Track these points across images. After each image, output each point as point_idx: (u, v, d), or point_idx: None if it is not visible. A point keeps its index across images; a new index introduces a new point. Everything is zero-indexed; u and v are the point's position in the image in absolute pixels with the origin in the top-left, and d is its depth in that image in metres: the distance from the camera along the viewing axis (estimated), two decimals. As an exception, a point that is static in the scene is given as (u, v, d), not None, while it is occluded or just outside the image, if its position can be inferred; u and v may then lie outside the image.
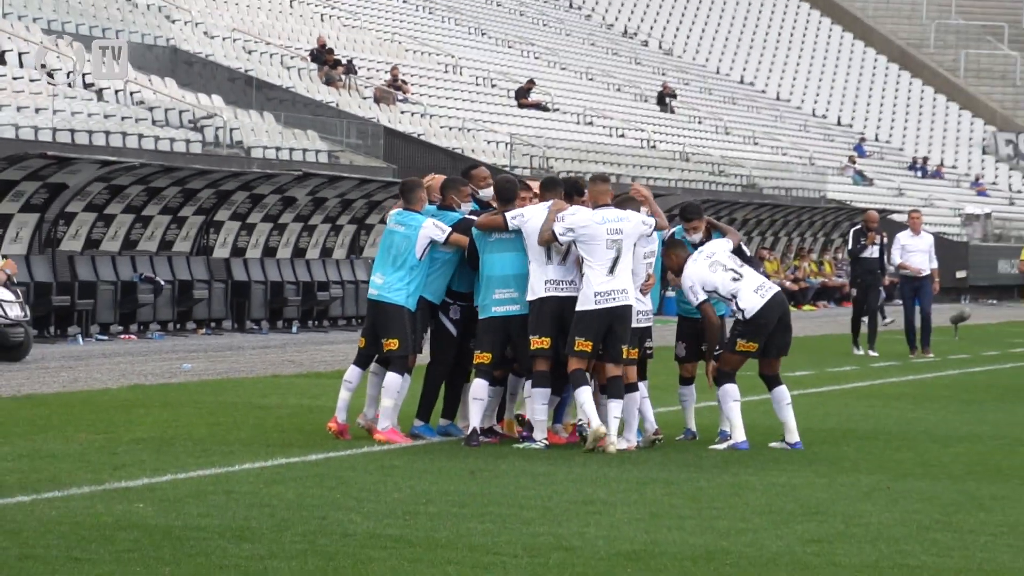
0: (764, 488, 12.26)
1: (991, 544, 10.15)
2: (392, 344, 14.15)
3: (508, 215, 14.01)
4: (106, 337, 27.20)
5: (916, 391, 21.03)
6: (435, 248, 14.27)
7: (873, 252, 27.35)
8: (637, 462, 13.50)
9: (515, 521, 10.52)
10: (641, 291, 14.17)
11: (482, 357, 14.10)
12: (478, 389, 14.12)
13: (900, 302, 29.67)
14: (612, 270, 13.76)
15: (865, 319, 27.62)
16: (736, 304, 14.34)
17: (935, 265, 27.49)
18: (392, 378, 14.19)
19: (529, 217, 13.95)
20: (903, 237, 27.69)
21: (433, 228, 14.22)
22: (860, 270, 27.66)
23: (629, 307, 13.87)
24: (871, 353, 27.14)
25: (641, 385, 14.33)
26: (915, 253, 27.35)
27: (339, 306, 32.66)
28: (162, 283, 28.47)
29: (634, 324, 14.09)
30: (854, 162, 66.68)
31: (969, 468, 13.61)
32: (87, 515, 10.34)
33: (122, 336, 27.64)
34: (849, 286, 31.17)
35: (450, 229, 14.26)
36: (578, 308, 13.80)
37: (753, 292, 14.41)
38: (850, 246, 28.06)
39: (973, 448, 14.97)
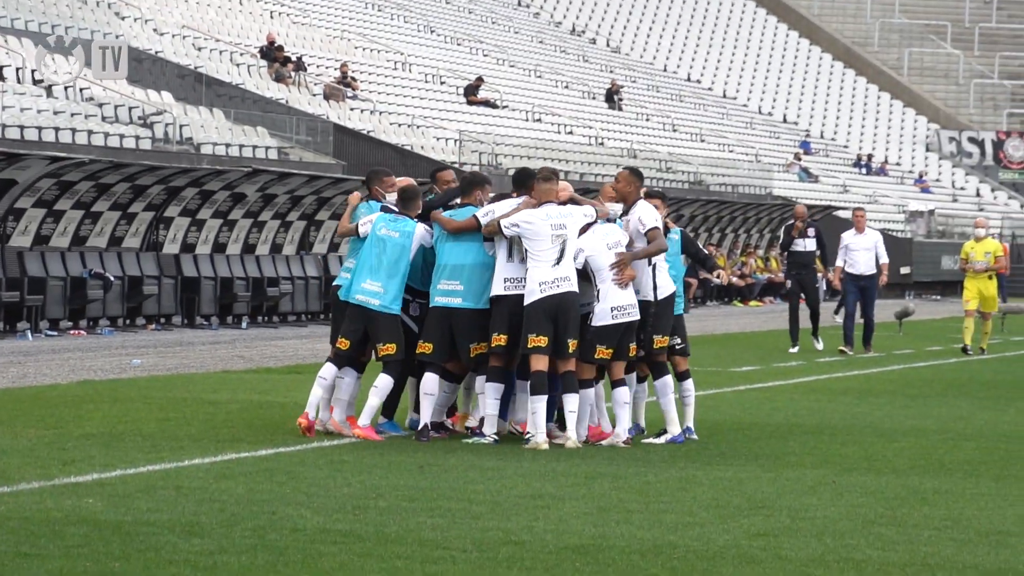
0: (711, 482, 12.37)
1: (935, 538, 10.27)
2: (390, 349, 14.25)
3: (479, 214, 14.08)
4: (55, 333, 27.12)
5: (861, 386, 21.21)
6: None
7: (807, 245, 27.00)
8: (585, 457, 13.59)
9: (464, 515, 10.59)
10: (619, 284, 14.11)
11: (423, 347, 14.23)
12: (428, 384, 14.20)
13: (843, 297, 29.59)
14: (557, 263, 13.88)
15: (808, 313, 27.36)
16: (655, 279, 14.42)
17: (885, 260, 26.89)
18: (385, 380, 14.25)
19: (499, 213, 14.04)
20: (847, 236, 27.13)
21: (425, 234, 14.37)
22: (794, 264, 27.47)
23: (573, 294, 13.90)
24: (817, 346, 26.99)
25: (625, 388, 14.21)
26: (859, 252, 26.76)
27: (289, 302, 32.65)
28: (112, 279, 28.41)
29: (619, 320, 14.01)
30: (799, 159, 67.04)
31: (913, 462, 13.77)
32: (36, 510, 10.35)
33: (71, 332, 27.56)
34: (784, 279, 30.72)
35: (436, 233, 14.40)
36: (525, 303, 13.88)
37: (671, 277, 14.68)
38: (781, 241, 28.07)
39: (917, 442, 15.13)
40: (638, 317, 14.20)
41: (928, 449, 14.65)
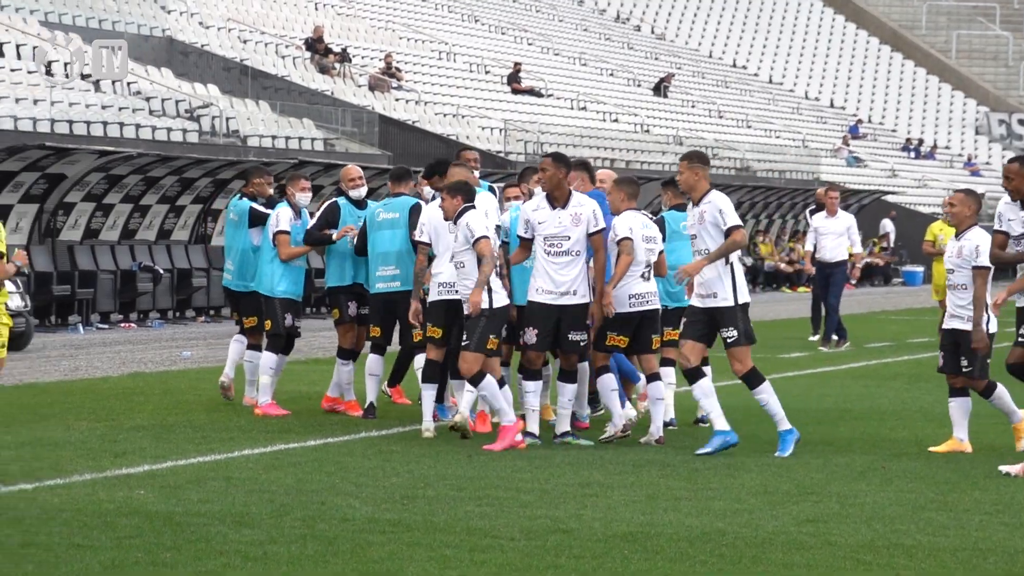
0: (759, 469, 12.35)
1: (986, 523, 10.23)
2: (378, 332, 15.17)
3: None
4: (106, 326, 27.28)
5: (911, 371, 21.11)
6: None
7: None
8: (633, 444, 13.58)
9: (512, 504, 10.61)
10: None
11: (374, 331, 14.86)
12: (372, 364, 14.85)
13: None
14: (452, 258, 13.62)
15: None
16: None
17: (859, 251, 25.17)
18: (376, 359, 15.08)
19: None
20: (817, 219, 24.69)
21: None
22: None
23: (458, 301, 13.58)
24: (834, 338, 25.31)
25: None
26: (828, 236, 24.43)
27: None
28: (161, 272, 28.56)
29: (635, 308, 13.53)
30: (848, 143, 66.77)
31: (963, 447, 13.70)
32: (89, 502, 10.43)
33: (122, 325, 27.70)
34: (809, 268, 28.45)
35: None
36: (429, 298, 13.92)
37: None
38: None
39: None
40: (657, 307, 13.78)
41: (978, 433, 14.53)
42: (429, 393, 13.81)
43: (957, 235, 13.48)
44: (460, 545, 9.26)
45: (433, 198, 14.50)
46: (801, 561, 9.06)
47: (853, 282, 41.59)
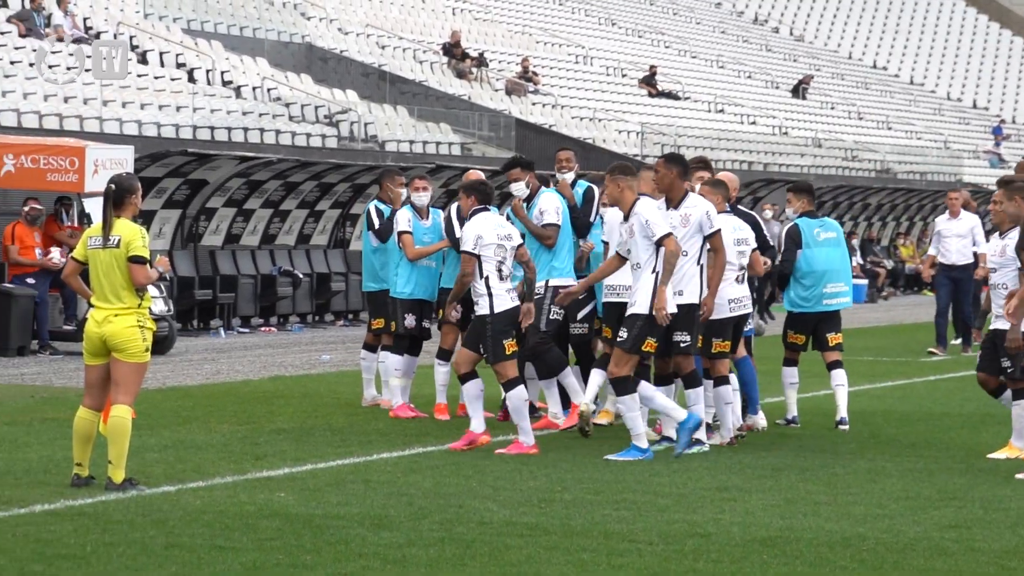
0: (900, 474, 12.21)
1: None
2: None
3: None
4: (247, 330, 27.60)
5: (1056, 376, 20.70)
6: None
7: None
8: (771, 449, 13.49)
9: (650, 508, 10.58)
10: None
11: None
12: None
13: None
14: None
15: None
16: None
17: (983, 251, 23.33)
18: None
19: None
20: (940, 222, 24.19)
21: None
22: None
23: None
24: (957, 342, 24.79)
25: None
26: (951, 239, 23.82)
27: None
28: (300, 276, 28.85)
29: (735, 312, 13.54)
30: (998, 144, 65.81)
31: (1110, 453, 13.43)
32: (230, 504, 10.55)
33: (262, 329, 28.01)
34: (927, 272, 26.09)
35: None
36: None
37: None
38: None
39: (1114, 433, 14.74)
40: (750, 310, 13.99)
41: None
42: (596, 379, 13.76)
43: (1001, 234, 13.12)
44: (598, 549, 9.25)
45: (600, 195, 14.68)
46: (943, 567, 8.94)
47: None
